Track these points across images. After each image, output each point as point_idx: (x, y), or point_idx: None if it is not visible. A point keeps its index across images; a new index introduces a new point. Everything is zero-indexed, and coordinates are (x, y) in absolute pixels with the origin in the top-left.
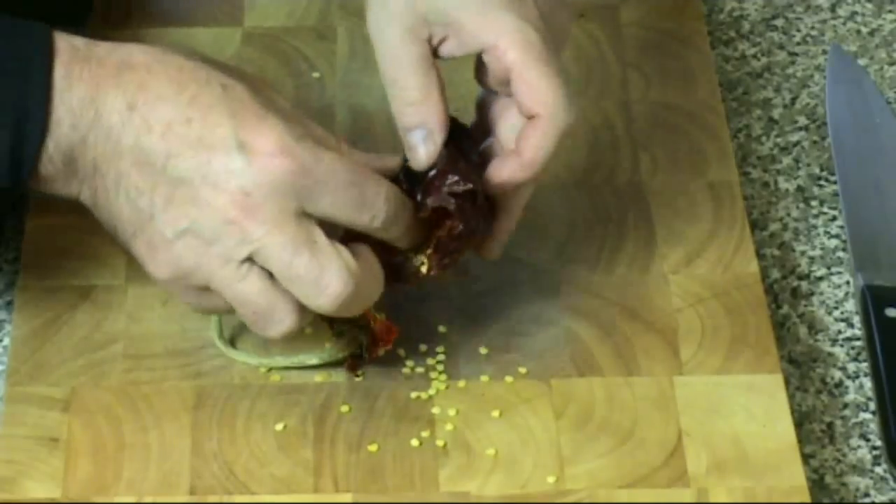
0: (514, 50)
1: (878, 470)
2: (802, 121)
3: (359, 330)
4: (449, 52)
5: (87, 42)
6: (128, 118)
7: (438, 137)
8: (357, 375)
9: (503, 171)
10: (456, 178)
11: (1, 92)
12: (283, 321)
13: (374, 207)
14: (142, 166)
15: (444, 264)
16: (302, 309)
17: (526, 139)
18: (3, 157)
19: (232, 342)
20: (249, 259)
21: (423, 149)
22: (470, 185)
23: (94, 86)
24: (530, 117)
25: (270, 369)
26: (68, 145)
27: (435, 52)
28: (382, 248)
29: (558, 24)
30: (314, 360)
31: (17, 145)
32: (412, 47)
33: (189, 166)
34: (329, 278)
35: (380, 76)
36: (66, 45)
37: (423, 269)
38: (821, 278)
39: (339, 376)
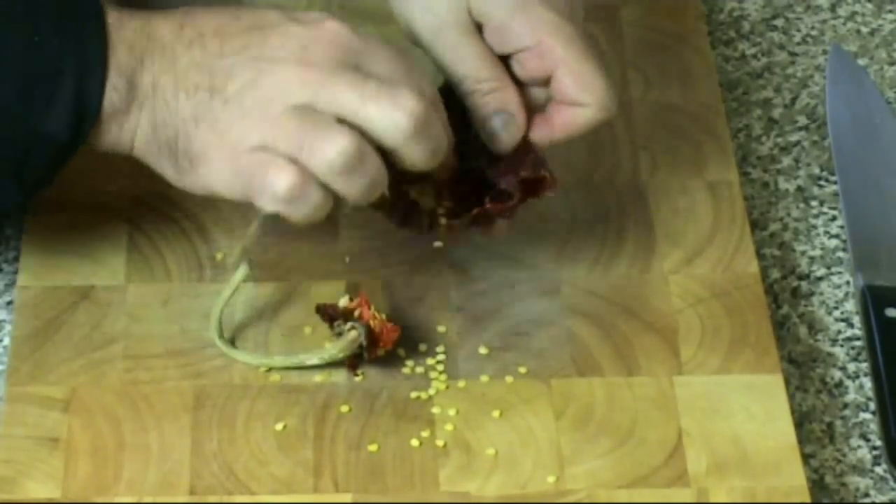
0: (559, 47)
1: (878, 470)
2: (802, 121)
3: (359, 330)
4: (491, 47)
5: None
6: (179, 33)
7: (521, 118)
8: (357, 374)
9: (532, 129)
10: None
11: (61, 40)
12: (370, 171)
13: (421, 84)
14: (199, 65)
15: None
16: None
17: (564, 117)
18: (69, 103)
19: (232, 342)
20: (324, 123)
21: (507, 132)
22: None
23: (144, 19)
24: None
25: (270, 369)
26: (128, 69)
27: None
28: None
29: (578, 17)
30: (314, 360)
31: (81, 92)
32: (474, 42)
33: (246, 45)
34: (405, 96)
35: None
36: None
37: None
38: (821, 278)
39: (339, 376)
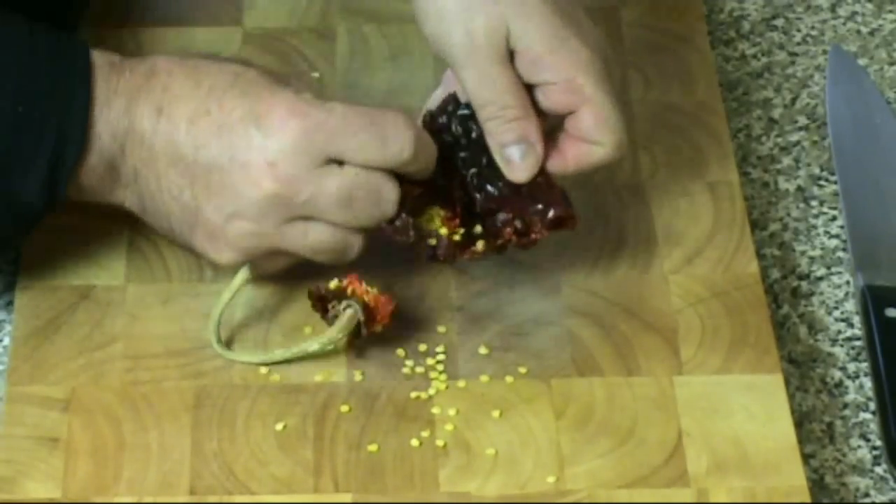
0: (589, 85)
1: (878, 470)
2: (802, 121)
3: (354, 307)
4: (520, 75)
5: (120, 57)
6: (156, 122)
7: (540, 150)
8: (359, 374)
9: (550, 163)
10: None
11: (42, 113)
12: (355, 246)
13: (399, 138)
14: (176, 164)
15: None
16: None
17: (578, 152)
18: (40, 179)
19: (228, 344)
20: (303, 217)
21: (525, 162)
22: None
23: (128, 97)
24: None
25: (270, 369)
26: (110, 155)
27: None
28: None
29: (606, 52)
30: (315, 347)
31: (56, 167)
32: (505, 69)
33: (216, 153)
34: (386, 195)
35: (375, 77)
36: (104, 62)
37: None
38: (821, 278)
39: (340, 376)
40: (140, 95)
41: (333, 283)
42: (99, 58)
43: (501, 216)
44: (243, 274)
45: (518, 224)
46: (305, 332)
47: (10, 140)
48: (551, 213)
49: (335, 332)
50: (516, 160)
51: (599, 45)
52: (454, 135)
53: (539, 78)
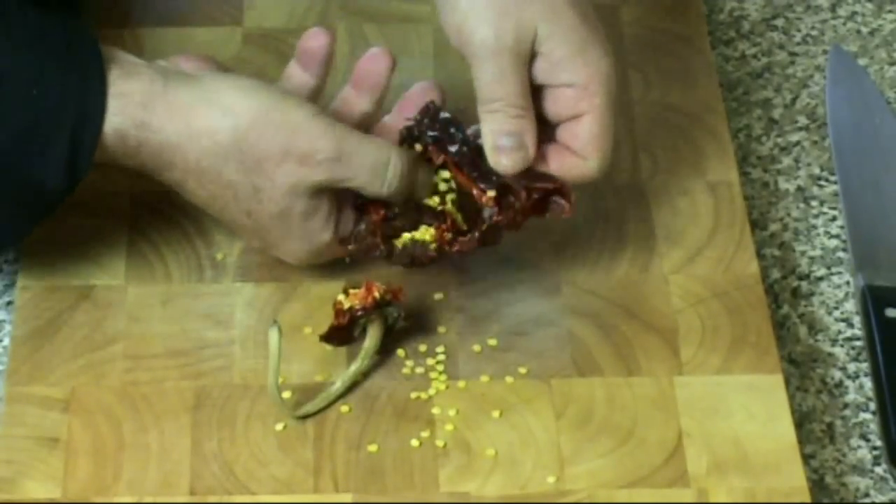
0: (600, 96)
1: (878, 470)
2: (802, 121)
3: (378, 313)
4: (534, 75)
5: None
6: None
7: (531, 151)
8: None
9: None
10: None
11: (60, 95)
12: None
13: (390, 177)
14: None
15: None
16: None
17: (563, 163)
18: (62, 156)
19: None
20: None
21: (513, 153)
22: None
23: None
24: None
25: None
26: (132, 136)
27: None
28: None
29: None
30: (364, 364)
31: (76, 147)
32: (523, 73)
33: (225, 203)
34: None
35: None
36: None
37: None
38: (821, 278)
39: (340, 376)
40: (157, 112)
41: (346, 302)
42: (107, 52)
43: (487, 212)
44: (275, 334)
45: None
46: (305, 332)
47: (28, 123)
48: (538, 185)
49: (373, 347)
50: (506, 146)
51: (609, 55)
52: (437, 136)
53: (557, 79)
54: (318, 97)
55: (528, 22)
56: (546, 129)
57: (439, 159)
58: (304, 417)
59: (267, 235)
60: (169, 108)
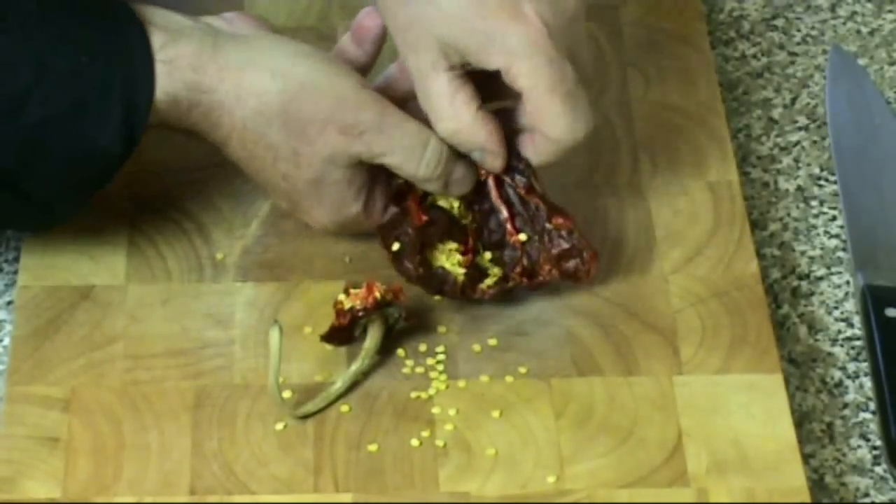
0: (523, 77)
1: (878, 470)
2: (802, 121)
3: (378, 313)
4: (477, 67)
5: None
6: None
7: (494, 148)
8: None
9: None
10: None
11: (108, 59)
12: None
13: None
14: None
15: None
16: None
17: (535, 143)
18: (119, 117)
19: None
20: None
21: (487, 162)
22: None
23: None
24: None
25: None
26: (185, 95)
27: (462, 66)
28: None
29: (569, 33)
30: (365, 363)
31: (130, 107)
32: (437, 80)
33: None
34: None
35: (375, 77)
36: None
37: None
38: (821, 278)
39: (340, 376)
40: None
41: (347, 303)
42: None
43: (508, 252)
44: (276, 333)
45: (525, 262)
46: (305, 331)
47: (82, 91)
48: (565, 266)
49: (373, 347)
50: (479, 160)
51: (536, 35)
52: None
53: (486, 68)
54: (366, 74)
55: (427, 32)
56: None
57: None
58: (305, 417)
59: (298, 199)
60: (219, 69)
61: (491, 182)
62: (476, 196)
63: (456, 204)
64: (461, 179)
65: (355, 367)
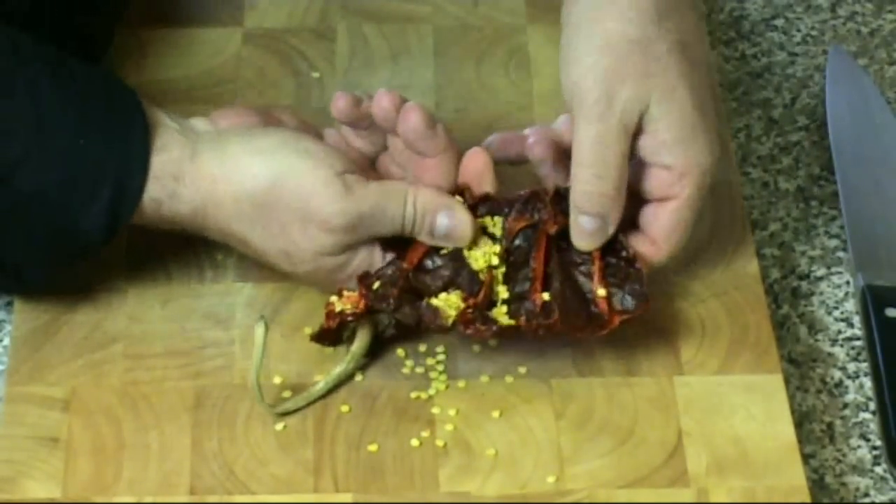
0: (691, 188)
1: (878, 470)
2: (802, 121)
3: (368, 319)
4: (637, 150)
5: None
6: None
7: (611, 231)
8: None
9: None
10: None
11: (104, 147)
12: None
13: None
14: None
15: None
16: None
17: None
18: (106, 204)
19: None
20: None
21: (592, 237)
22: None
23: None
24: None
25: (271, 370)
26: (171, 191)
27: None
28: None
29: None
30: (349, 366)
31: (118, 199)
32: (623, 145)
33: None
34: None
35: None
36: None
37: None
38: (821, 278)
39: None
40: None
41: (338, 306)
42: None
43: (528, 305)
44: (260, 328)
45: (542, 321)
46: (305, 331)
47: (74, 172)
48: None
49: (360, 352)
50: (587, 229)
51: (716, 148)
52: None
53: (657, 160)
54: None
55: (643, 97)
56: (633, 205)
57: (552, 229)
58: (284, 415)
59: (313, 284)
60: (195, 180)
61: (542, 241)
62: (514, 245)
63: (482, 254)
64: (447, 232)
65: (339, 369)
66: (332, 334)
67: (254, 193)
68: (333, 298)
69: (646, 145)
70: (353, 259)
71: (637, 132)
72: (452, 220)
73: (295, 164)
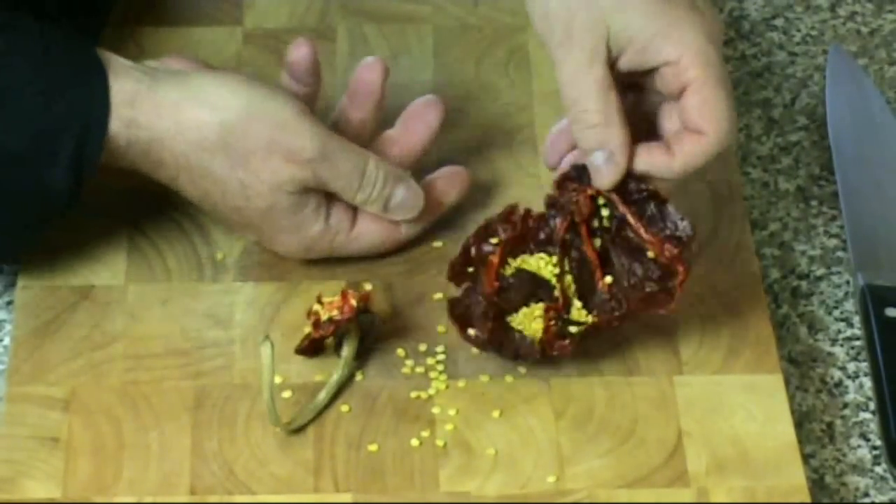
0: (695, 68)
1: (878, 470)
2: (802, 121)
3: (349, 341)
4: (627, 66)
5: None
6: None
7: (621, 159)
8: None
9: (650, 159)
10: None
11: (66, 101)
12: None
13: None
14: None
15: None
16: None
17: (683, 147)
18: (70, 159)
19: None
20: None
21: (606, 170)
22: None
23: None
24: (695, 131)
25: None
26: (135, 138)
27: (612, 65)
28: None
29: (719, 41)
30: (344, 373)
31: (81, 152)
32: (594, 72)
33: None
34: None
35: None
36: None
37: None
38: (821, 278)
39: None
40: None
41: (325, 314)
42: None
43: (598, 297)
44: (267, 349)
45: (615, 304)
46: (305, 331)
47: (40, 129)
48: (648, 287)
49: (351, 356)
50: (600, 165)
51: (710, 29)
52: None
53: (648, 63)
54: (313, 103)
55: (597, 17)
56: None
57: (619, 209)
58: (298, 430)
59: (259, 230)
60: (156, 106)
61: (583, 232)
62: (568, 249)
63: (545, 263)
64: (402, 203)
65: (336, 377)
66: (319, 344)
67: (222, 120)
68: (317, 307)
69: (632, 59)
70: (305, 206)
71: (621, 56)
72: (410, 192)
73: (266, 95)
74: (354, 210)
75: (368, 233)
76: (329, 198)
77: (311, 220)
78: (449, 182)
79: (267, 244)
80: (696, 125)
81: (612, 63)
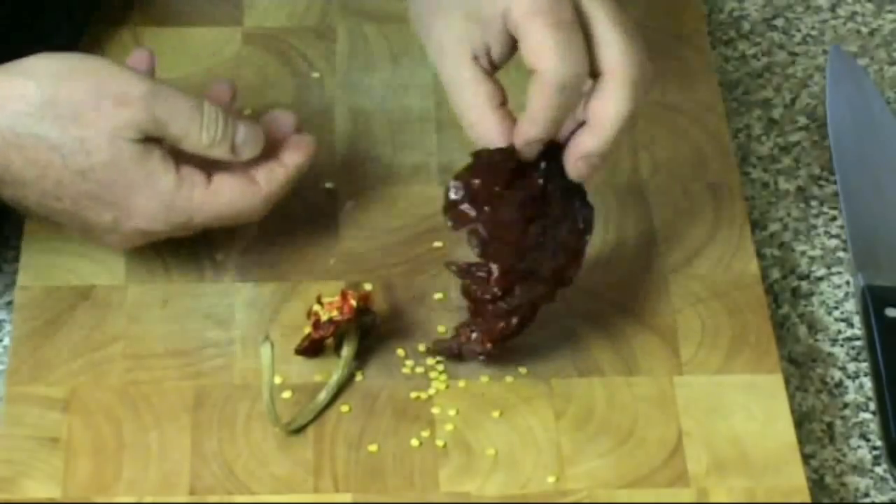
0: (518, 8)
1: (878, 470)
2: (802, 121)
3: (350, 345)
4: (499, 55)
5: None
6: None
7: (507, 143)
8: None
9: (580, 142)
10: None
11: None
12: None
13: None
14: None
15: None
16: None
17: (587, 114)
18: None
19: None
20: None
21: (530, 153)
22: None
23: None
24: (536, 74)
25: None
26: None
27: (493, 66)
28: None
29: None
30: (344, 374)
31: None
32: (461, 73)
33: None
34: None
35: (375, 77)
36: None
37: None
38: (821, 278)
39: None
40: None
41: (325, 315)
42: None
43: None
44: (267, 349)
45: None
46: (305, 331)
47: None
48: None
49: (351, 356)
50: (525, 155)
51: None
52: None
53: (502, 42)
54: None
55: (453, 21)
56: None
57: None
58: (297, 431)
59: (113, 199)
60: None
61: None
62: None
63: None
64: (246, 141)
65: (336, 377)
66: (319, 344)
67: (42, 84)
68: (317, 308)
69: (491, 44)
70: (150, 155)
71: (488, 47)
72: (250, 127)
73: (86, 56)
74: (206, 165)
75: (227, 187)
76: (176, 152)
77: (160, 171)
78: (295, 145)
79: (126, 219)
80: (531, 65)
81: (488, 60)
